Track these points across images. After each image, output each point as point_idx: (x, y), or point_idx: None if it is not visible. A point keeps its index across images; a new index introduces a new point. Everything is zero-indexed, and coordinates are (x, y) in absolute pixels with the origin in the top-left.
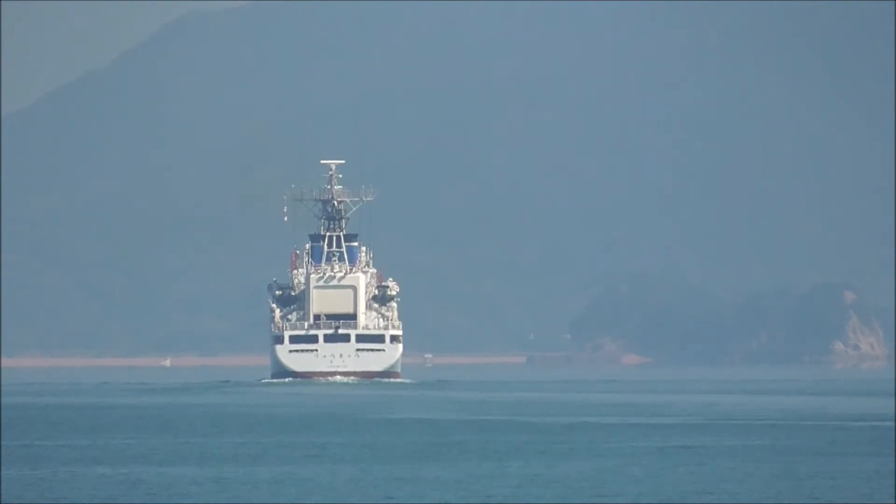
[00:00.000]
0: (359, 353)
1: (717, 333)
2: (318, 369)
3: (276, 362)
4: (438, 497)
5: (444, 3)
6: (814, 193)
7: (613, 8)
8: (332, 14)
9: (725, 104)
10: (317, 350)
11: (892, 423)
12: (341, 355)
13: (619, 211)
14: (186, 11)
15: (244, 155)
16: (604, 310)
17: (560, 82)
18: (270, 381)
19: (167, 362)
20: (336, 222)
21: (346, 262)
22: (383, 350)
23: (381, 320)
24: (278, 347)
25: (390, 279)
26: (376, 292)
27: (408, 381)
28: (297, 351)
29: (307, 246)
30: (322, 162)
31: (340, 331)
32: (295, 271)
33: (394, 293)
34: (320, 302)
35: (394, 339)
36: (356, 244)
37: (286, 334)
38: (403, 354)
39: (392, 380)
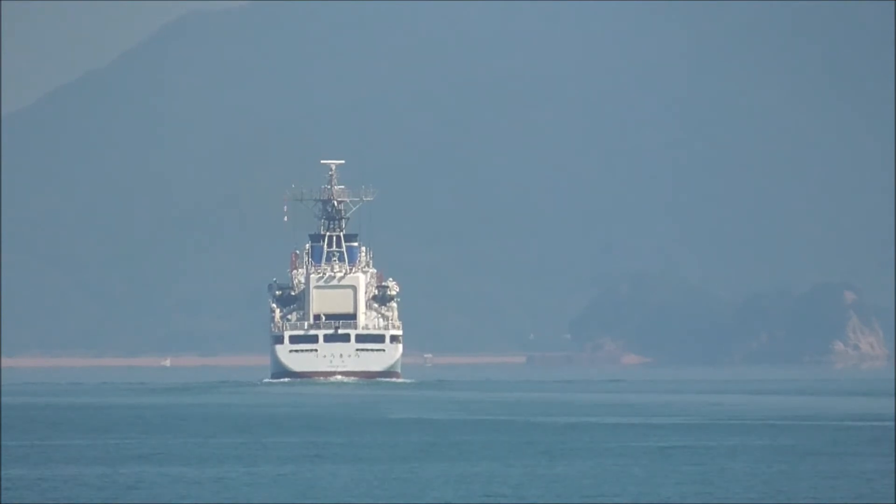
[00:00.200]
0: (359, 353)
1: (717, 333)
2: (318, 369)
3: (276, 362)
4: (438, 497)
5: (444, 3)
6: (814, 193)
7: (613, 8)
8: (332, 14)
9: (725, 104)
10: (317, 350)
11: (892, 423)
12: (341, 355)
13: (618, 211)
14: (186, 11)
15: (244, 155)
16: (604, 310)
17: (560, 82)
18: (270, 381)
19: (167, 362)
20: (336, 222)
21: (346, 262)
22: (383, 350)
23: (381, 320)
24: (278, 347)
25: (390, 279)
26: (376, 292)
27: (408, 381)
28: (297, 351)
29: (307, 246)
30: (322, 162)
31: (340, 331)
32: (295, 271)
33: (394, 293)
34: (320, 302)
35: (394, 339)
36: (356, 244)
37: (286, 334)
38: (403, 354)
39: (392, 380)
